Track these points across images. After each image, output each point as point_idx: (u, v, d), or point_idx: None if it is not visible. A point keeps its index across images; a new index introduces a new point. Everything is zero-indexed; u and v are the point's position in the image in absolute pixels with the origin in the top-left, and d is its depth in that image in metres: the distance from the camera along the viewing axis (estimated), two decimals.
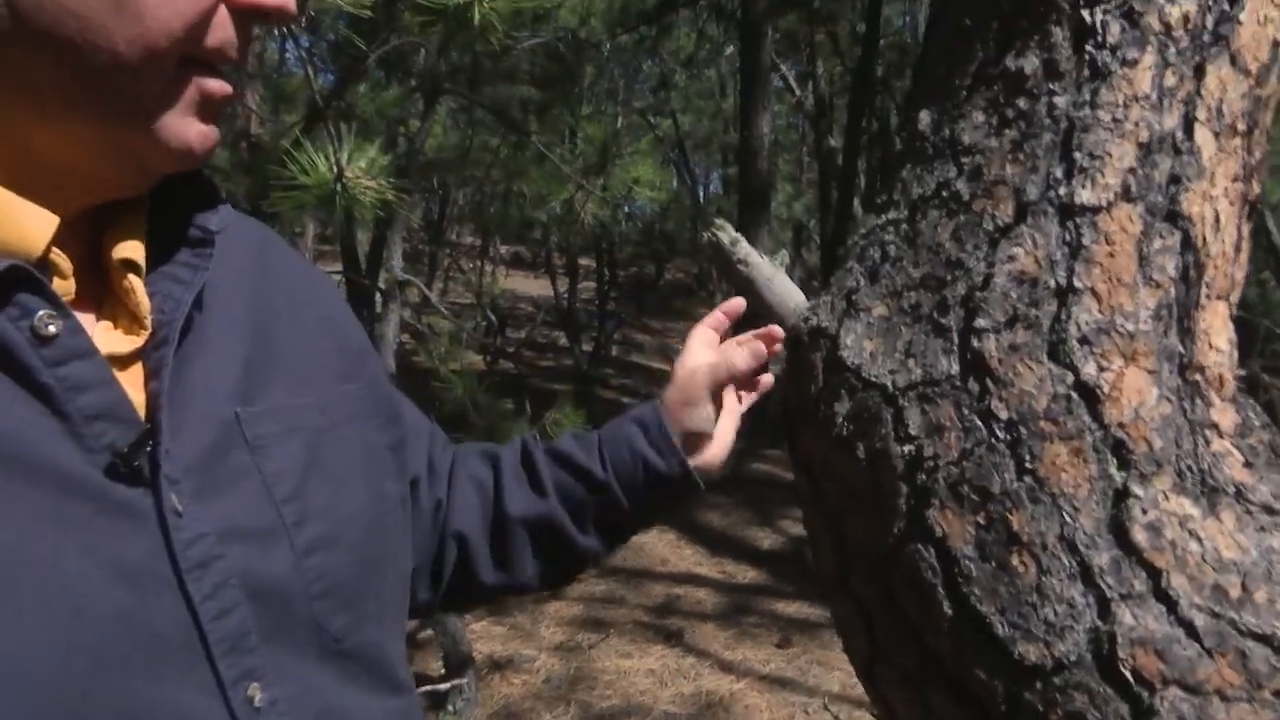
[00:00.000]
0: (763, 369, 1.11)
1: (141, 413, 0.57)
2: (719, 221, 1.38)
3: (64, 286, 0.56)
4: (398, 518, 0.78)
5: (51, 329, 0.52)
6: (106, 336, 0.59)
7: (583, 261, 13.42)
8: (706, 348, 1.12)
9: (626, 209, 2.98)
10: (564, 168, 2.84)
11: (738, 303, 1.13)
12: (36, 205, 0.54)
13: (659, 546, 6.26)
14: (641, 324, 14.59)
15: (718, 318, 1.15)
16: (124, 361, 0.58)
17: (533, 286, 15.98)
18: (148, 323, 0.60)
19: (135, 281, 0.60)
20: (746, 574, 5.88)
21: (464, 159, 6.13)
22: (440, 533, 0.95)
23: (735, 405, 1.14)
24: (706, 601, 5.40)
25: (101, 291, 0.60)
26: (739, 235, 1.34)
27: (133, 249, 0.61)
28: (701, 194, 20.33)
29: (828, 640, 4.78)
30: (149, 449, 0.55)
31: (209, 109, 0.59)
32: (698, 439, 1.06)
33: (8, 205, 0.53)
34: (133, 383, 0.58)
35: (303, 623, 0.61)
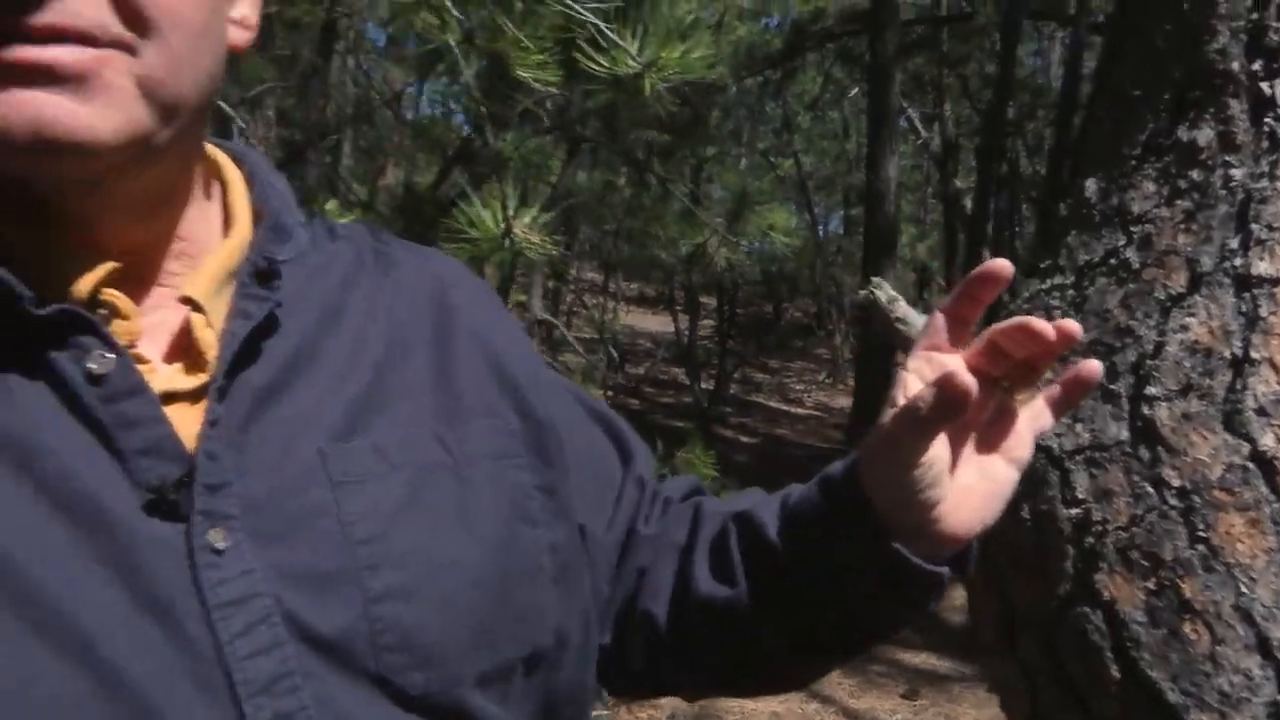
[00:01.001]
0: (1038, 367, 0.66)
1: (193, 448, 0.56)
2: (876, 280, 1.42)
3: (125, 327, 0.57)
4: (542, 566, 0.67)
5: (105, 367, 0.54)
6: (171, 374, 0.59)
7: (703, 299, 13.52)
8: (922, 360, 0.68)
9: (753, 252, 3.02)
10: (701, 215, 2.91)
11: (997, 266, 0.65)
12: (83, 250, 0.56)
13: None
14: (760, 363, 14.57)
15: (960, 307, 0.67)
16: (192, 397, 0.58)
17: (652, 322, 16.14)
18: (209, 359, 0.59)
19: (195, 318, 0.59)
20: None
21: (601, 202, 6.29)
22: (633, 600, 0.79)
23: (1012, 447, 0.68)
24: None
25: (183, 334, 0.60)
26: (896, 294, 1.38)
27: (195, 286, 0.60)
28: (822, 233, 20.23)
29: (956, 694, 4.67)
30: (188, 486, 0.54)
31: (18, 76, 0.50)
32: (914, 499, 0.65)
33: (60, 257, 0.55)
34: (197, 419, 0.57)
35: (368, 674, 0.56)
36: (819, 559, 0.69)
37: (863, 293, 1.40)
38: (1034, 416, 0.67)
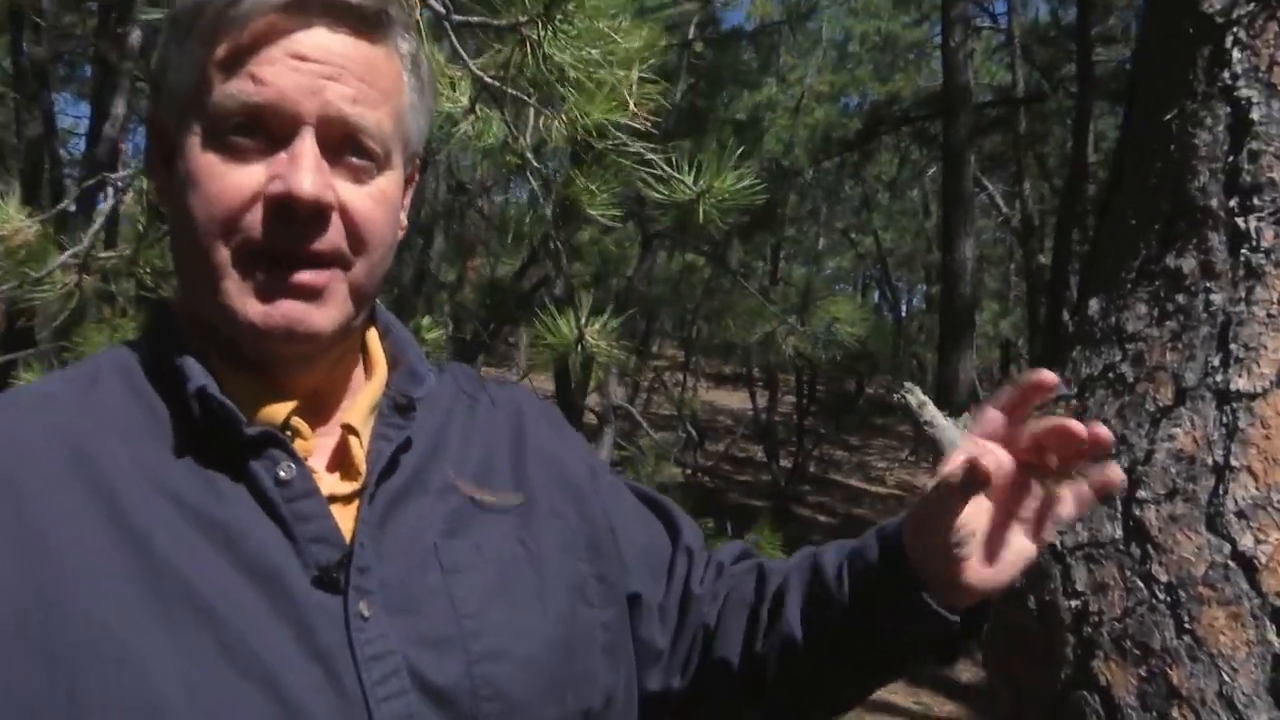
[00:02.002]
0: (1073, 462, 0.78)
1: (349, 538, 0.73)
2: (908, 385, 1.55)
3: (304, 445, 0.75)
4: (595, 639, 0.83)
5: (288, 475, 0.72)
6: (334, 482, 0.76)
7: (782, 375, 13.63)
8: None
9: (821, 341, 3.15)
10: (769, 307, 3.08)
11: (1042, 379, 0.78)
12: (277, 389, 0.75)
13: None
14: (840, 440, 14.54)
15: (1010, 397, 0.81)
16: (347, 500, 0.75)
17: (732, 399, 16.25)
18: (361, 471, 0.77)
19: (352, 441, 0.78)
20: (943, 706, 5.73)
21: (675, 291, 6.53)
22: (705, 653, 0.93)
23: (1038, 528, 0.81)
24: None
25: (341, 451, 0.79)
26: (926, 398, 1.51)
27: (353, 415, 0.79)
28: (904, 308, 20.19)
29: None
30: (346, 567, 0.71)
31: (269, 292, 0.71)
32: (946, 555, 0.79)
33: (262, 394, 0.75)
34: (351, 516, 0.74)
35: (470, 718, 0.72)
36: (868, 607, 0.84)
37: (895, 396, 1.54)
38: (1062, 505, 0.79)
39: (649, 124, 1.27)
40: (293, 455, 0.74)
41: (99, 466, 0.70)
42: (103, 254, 1.56)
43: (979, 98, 10.08)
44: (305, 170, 0.70)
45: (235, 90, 0.71)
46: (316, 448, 0.78)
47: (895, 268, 18.00)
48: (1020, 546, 0.80)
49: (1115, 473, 0.78)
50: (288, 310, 0.72)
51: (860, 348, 3.50)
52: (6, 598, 0.65)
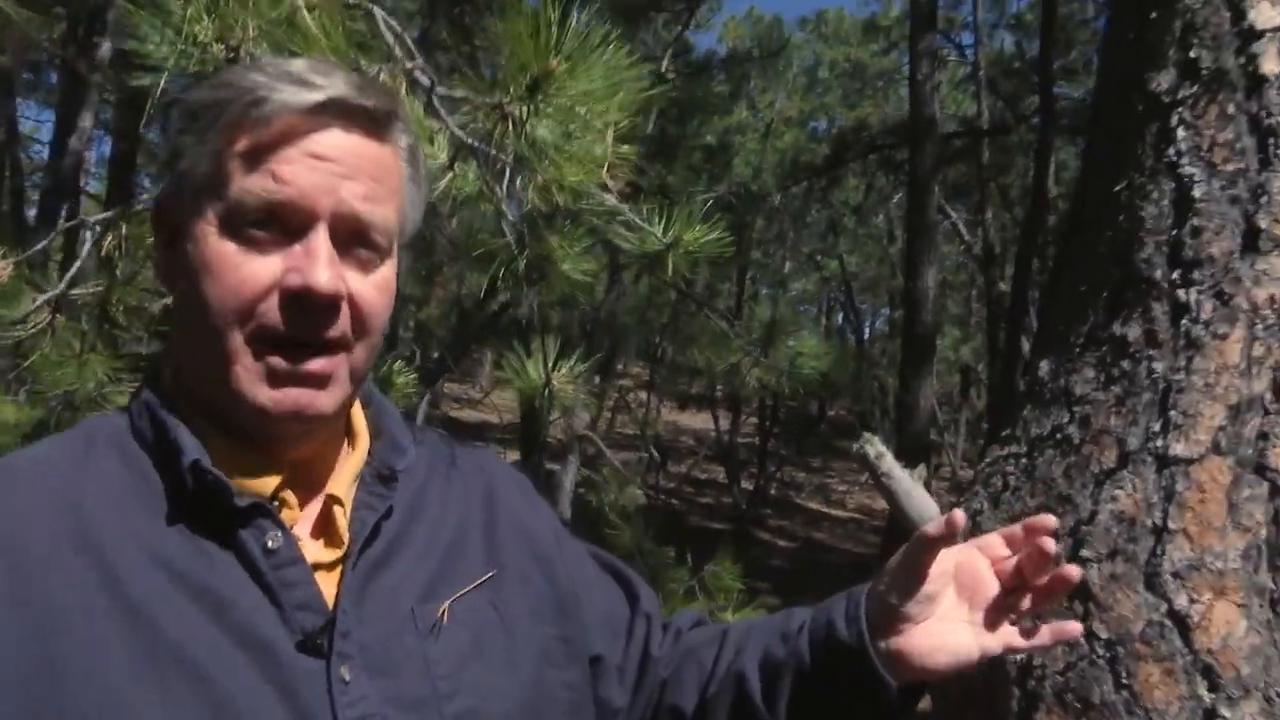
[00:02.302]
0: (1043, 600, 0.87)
1: (332, 605, 0.77)
2: (867, 436, 1.61)
3: (291, 515, 0.79)
4: (560, 699, 0.89)
5: (274, 544, 0.75)
6: (318, 549, 0.80)
7: (745, 397, 13.73)
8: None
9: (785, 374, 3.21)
10: (735, 340, 3.12)
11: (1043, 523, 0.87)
12: (266, 460, 0.79)
13: None
14: (802, 463, 14.65)
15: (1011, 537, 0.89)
16: (330, 566, 0.79)
17: (695, 420, 16.32)
18: (344, 539, 0.81)
19: (336, 511, 0.82)
20: None
21: (643, 318, 6.60)
22: (657, 707, 0.99)
23: (1000, 633, 0.87)
24: None
25: (327, 517, 0.82)
26: (884, 449, 1.57)
27: (338, 486, 0.83)
28: (867, 331, 20.41)
29: None
30: (330, 632, 0.75)
31: (280, 379, 0.75)
32: (904, 623, 0.87)
33: (259, 464, 0.79)
34: (334, 582, 0.78)
35: None
36: (818, 644, 0.90)
37: (855, 447, 1.59)
38: (1009, 633, 0.87)
39: (623, 187, 1.32)
40: (279, 525, 0.78)
41: (97, 535, 0.73)
42: (74, 291, 1.58)
43: (944, 127, 10.26)
44: (322, 265, 0.75)
45: (256, 186, 0.75)
46: (301, 516, 0.82)
47: (859, 292, 18.21)
48: (964, 643, 0.86)
49: (1072, 629, 0.87)
50: (297, 397, 0.76)
51: (822, 381, 3.55)
52: (17, 660, 0.68)
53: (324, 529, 0.82)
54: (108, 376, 2.49)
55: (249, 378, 0.76)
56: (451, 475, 0.94)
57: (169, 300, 2.46)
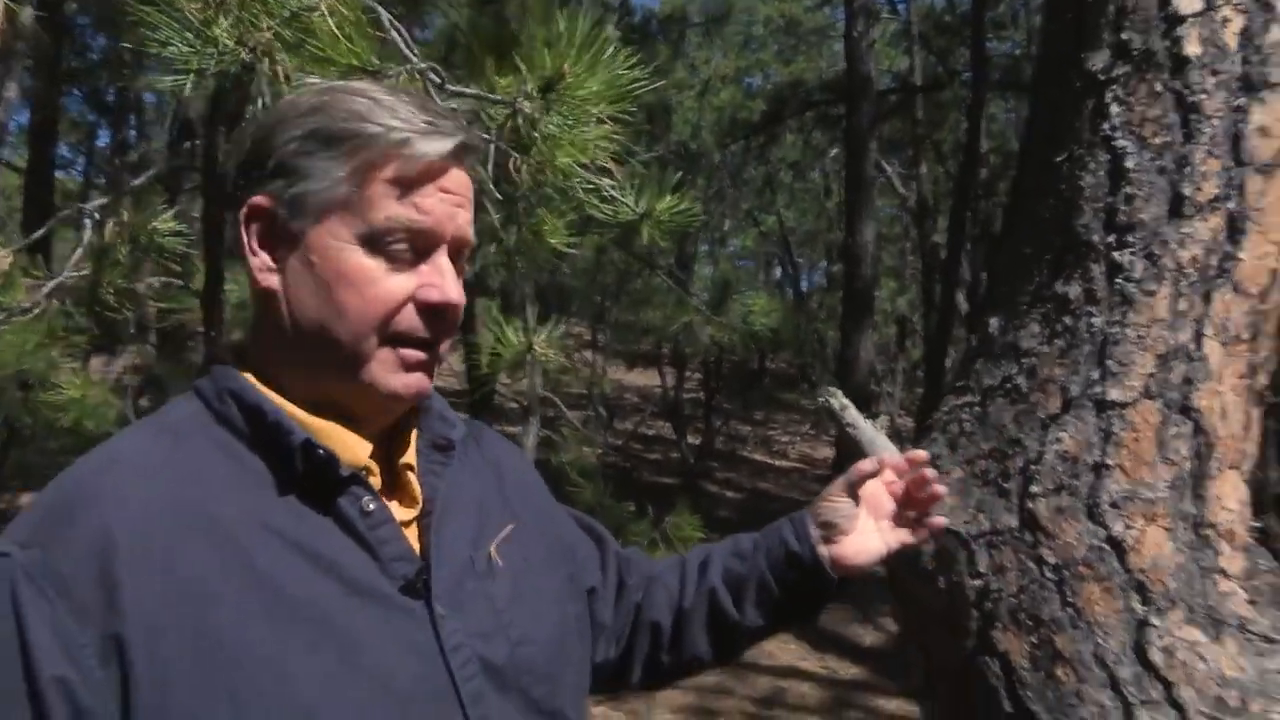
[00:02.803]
0: (928, 508, 1.23)
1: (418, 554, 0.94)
2: (831, 389, 1.74)
3: (374, 481, 0.92)
4: (574, 628, 1.08)
5: (371, 507, 0.90)
6: (397, 509, 0.95)
7: (688, 351, 13.91)
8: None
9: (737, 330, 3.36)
10: (690, 299, 3.25)
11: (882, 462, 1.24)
12: (359, 436, 0.93)
13: (764, 641, 6.50)
14: (746, 416, 14.93)
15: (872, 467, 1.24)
16: (406, 525, 0.93)
17: (639, 379, 16.47)
18: (418, 500, 0.97)
19: (411, 477, 0.98)
20: (848, 670, 6.07)
21: (593, 280, 6.69)
22: (635, 625, 1.24)
23: (896, 532, 1.23)
24: (810, 695, 5.61)
25: (393, 482, 0.98)
26: (848, 402, 1.70)
27: (409, 456, 0.99)
28: (806, 285, 20.69)
29: None
30: (425, 578, 0.91)
31: (413, 367, 0.91)
32: (838, 534, 1.21)
33: (353, 441, 0.92)
34: (411, 536, 0.94)
35: (516, 689, 0.94)
36: (776, 559, 1.22)
37: (820, 400, 1.72)
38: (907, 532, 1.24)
39: (608, 163, 1.42)
40: (371, 490, 0.91)
41: (215, 515, 0.84)
42: (65, 275, 1.63)
43: (879, 83, 10.43)
44: (452, 282, 0.91)
45: (403, 215, 0.88)
46: (382, 483, 0.95)
47: (797, 246, 18.43)
48: (875, 545, 1.22)
49: (938, 522, 1.23)
50: (418, 381, 0.92)
51: (773, 337, 3.70)
52: (183, 632, 0.78)
53: (400, 491, 0.97)
54: (57, 355, 2.53)
55: (384, 370, 0.90)
56: (469, 444, 1.09)
57: (152, 280, 2.51)
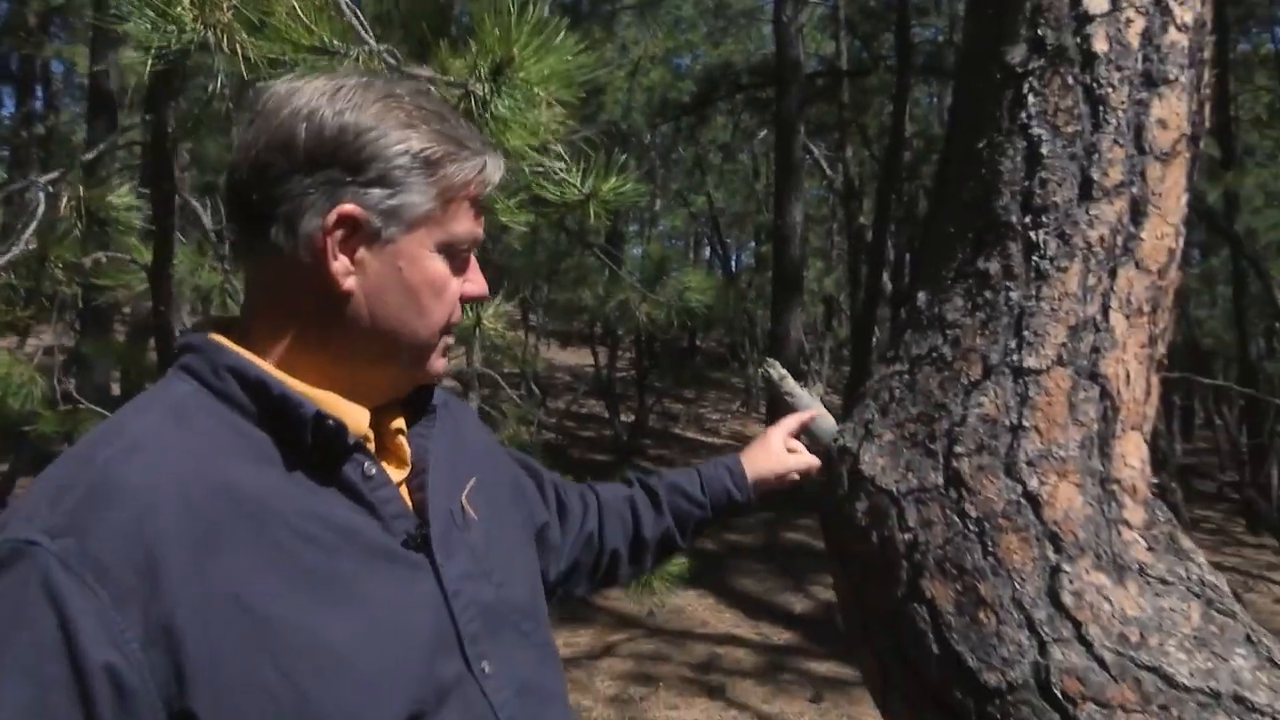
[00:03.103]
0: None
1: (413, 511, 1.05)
2: (770, 360, 1.85)
3: (370, 447, 1.03)
4: (537, 565, 1.23)
5: (373, 471, 0.99)
6: (391, 471, 1.04)
7: (620, 331, 14.03)
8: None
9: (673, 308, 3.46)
10: (627, 278, 3.33)
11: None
12: (360, 406, 1.01)
13: (700, 610, 6.67)
14: (678, 394, 15.11)
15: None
16: (399, 483, 1.05)
17: (570, 357, 16.54)
18: (408, 463, 1.07)
19: (401, 440, 1.07)
20: (781, 635, 6.26)
21: (529, 260, 6.74)
22: (598, 551, 1.49)
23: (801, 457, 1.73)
24: (745, 660, 5.79)
25: (381, 445, 1.06)
26: (785, 372, 1.81)
27: (399, 423, 1.08)
28: (735, 265, 20.91)
29: (857, 696, 5.14)
30: (425, 532, 1.01)
31: (444, 351, 1.07)
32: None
33: (355, 411, 1.00)
34: (405, 494, 1.04)
35: (508, 626, 1.05)
36: (719, 501, 1.63)
37: (759, 371, 1.83)
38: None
39: (558, 146, 1.49)
40: (370, 456, 0.99)
41: (234, 489, 0.89)
42: (18, 249, 1.63)
43: (807, 68, 10.60)
44: (480, 277, 1.06)
45: (472, 230, 1.02)
46: (375, 447, 1.04)
47: (726, 227, 18.63)
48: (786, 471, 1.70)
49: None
50: (442, 364, 1.07)
51: (708, 313, 3.81)
52: (218, 608, 0.84)
53: (388, 454, 1.06)
54: None
55: (435, 356, 1.05)
56: (437, 414, 1.17)
57: (99, 255, 2.50)
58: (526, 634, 1.08)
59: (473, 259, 1.05)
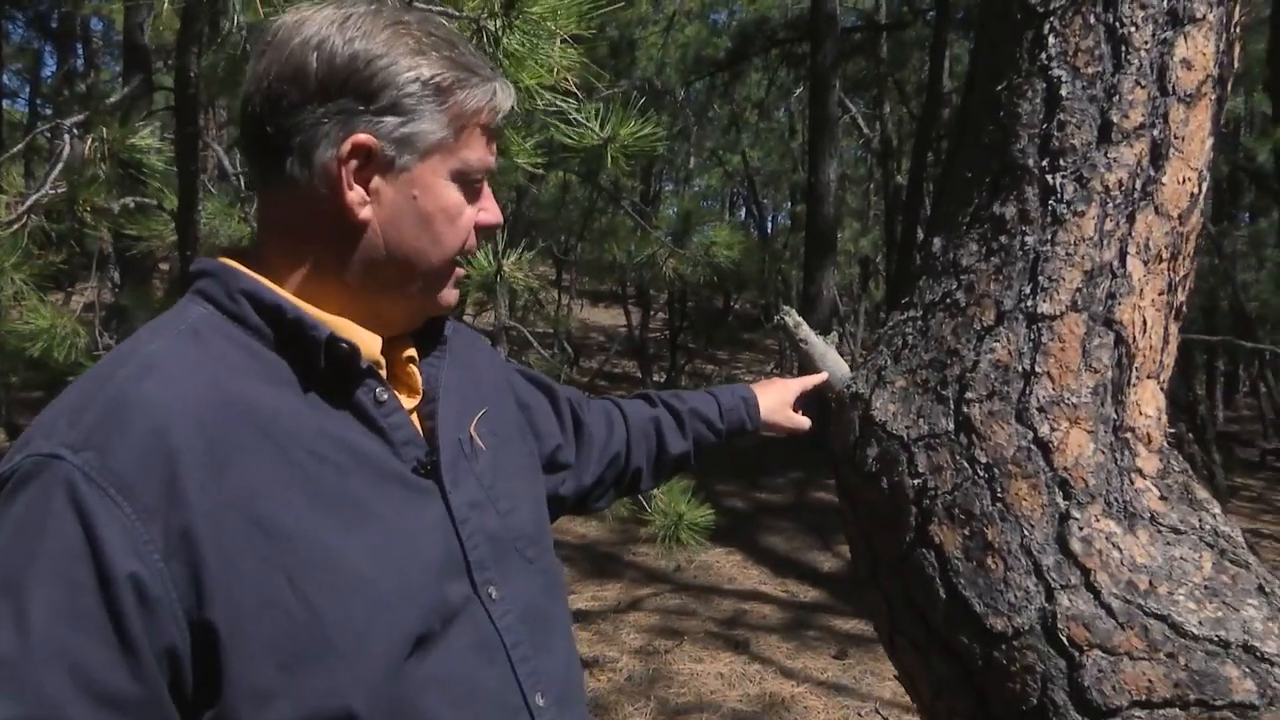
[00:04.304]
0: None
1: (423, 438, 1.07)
2: (785, 307, 1.84)
3: (382, 374, 1.04)
4: (542, 494, 1.25)
5: (384, 397, 1.00)
6: (402, 398, 1.05)
7: (653, 292, 13.99)
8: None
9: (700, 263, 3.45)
10: (653, 232, 3.32)
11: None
12: (374, 334, 1.02)
13: (727, 566, 6.71)
14: (710, 355, 15.09)
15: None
16: (410, 410, 1.06)
17: (604, 316, 16.56)
18: (419, 391, 1.08)
19: (413, 369, 1.09)
20: (808, 593, 6.28)
21: (558, 214, 6.73)
22: (622, 469, 1.55)
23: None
24: (771, 616, 5.82)
25: (392, 374, 1.07)
26: (801, 319, 1.80)
27: (410, 352, 1.09)
28: (770, 226, 20.76)
29: (881, 654, 5.15)
30: (434, 459, 1.02)
31: (458, 281, 1.08)
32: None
33: (367, 336, 1.01)
34: (416, 421, 1.05)
35: (513, 552, 1.06)
36: (732, 428, 1.70)
37: (775, 318, 1.82)
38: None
39: (571, 85, 1.48)
40: (382, 381, 1.00)
41: (251, 408, 0.91)
42: (44, 190, 1.66)
43: (843, 21, 10.42)
44: (495, 205, 1.06)
45: (484, 158, 1.02)
46: (387, 374, 1.05)
47: (761, 186, 18.47)
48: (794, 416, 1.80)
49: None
50: (453, 293, 1.09)
51: (735, 269, 3.79)
52: (236, 522, 0.86)
53: (399, 383, 1.07)
54: (25, 284, 2.56)
55: (448, 286, 1.06)
56: (449, 342, 1.18)
57: (128, 200, 2.53)
58: (531, 560, 1.09)
59: (486, 187, 1.05)
